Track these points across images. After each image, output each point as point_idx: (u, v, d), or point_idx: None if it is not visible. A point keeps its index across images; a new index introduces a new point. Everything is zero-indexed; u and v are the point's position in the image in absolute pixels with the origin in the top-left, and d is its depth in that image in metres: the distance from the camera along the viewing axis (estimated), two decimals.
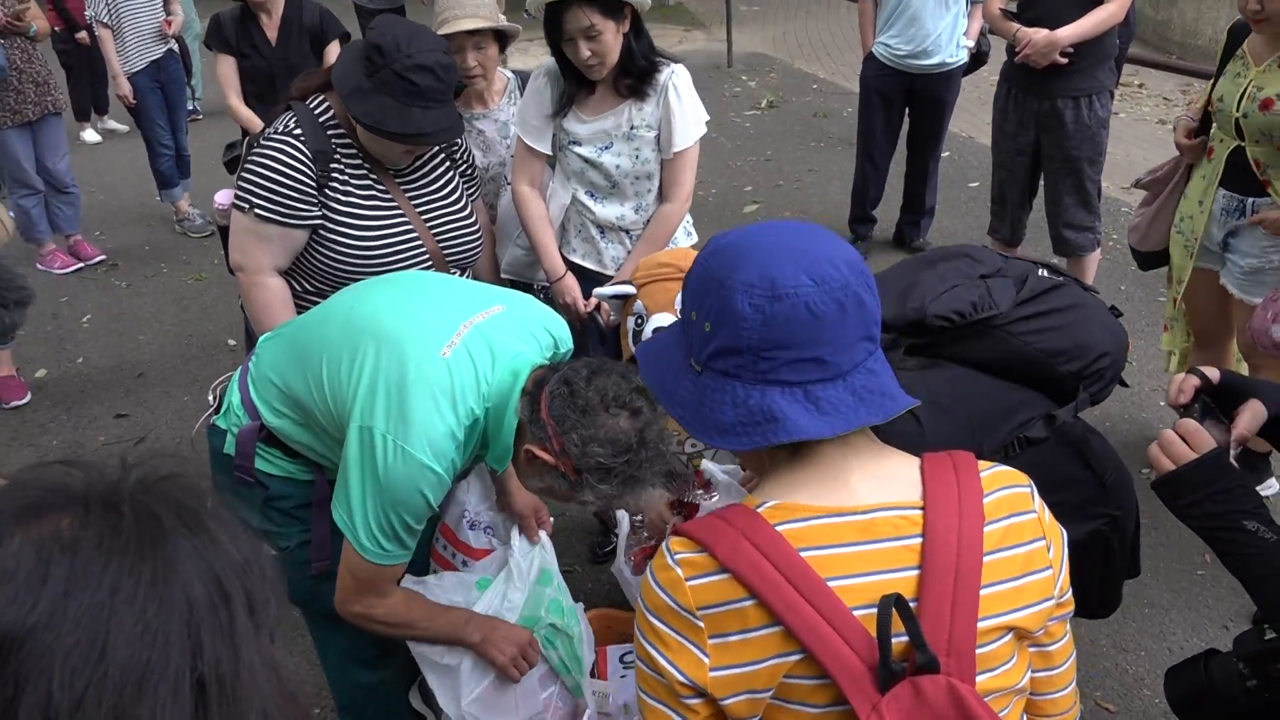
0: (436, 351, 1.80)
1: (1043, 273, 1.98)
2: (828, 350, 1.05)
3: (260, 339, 2.14)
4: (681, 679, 1.06)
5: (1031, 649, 1.14)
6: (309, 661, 2.97)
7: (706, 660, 1.05)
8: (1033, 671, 1.15)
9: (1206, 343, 3.46)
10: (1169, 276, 3.48)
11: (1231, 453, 1.40)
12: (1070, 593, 1.16)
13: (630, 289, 2.59)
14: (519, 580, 2.16)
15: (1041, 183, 4.46)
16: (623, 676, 2.51)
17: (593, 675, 2.53)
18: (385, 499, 1.78)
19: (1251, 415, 1.43)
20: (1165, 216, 3.40)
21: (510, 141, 3.09)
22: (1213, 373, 1.47)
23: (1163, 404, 3.96)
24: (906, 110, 5.13)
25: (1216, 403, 1.46)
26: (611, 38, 2.63)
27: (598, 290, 2.80)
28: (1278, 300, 2.58)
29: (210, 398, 2.17)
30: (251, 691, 0.58)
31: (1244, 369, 3.43)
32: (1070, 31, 3.97)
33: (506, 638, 2.06)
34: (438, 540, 2.39)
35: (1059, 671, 1.18)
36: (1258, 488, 3.40)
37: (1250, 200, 3.08)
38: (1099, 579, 1.76)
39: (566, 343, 2.05)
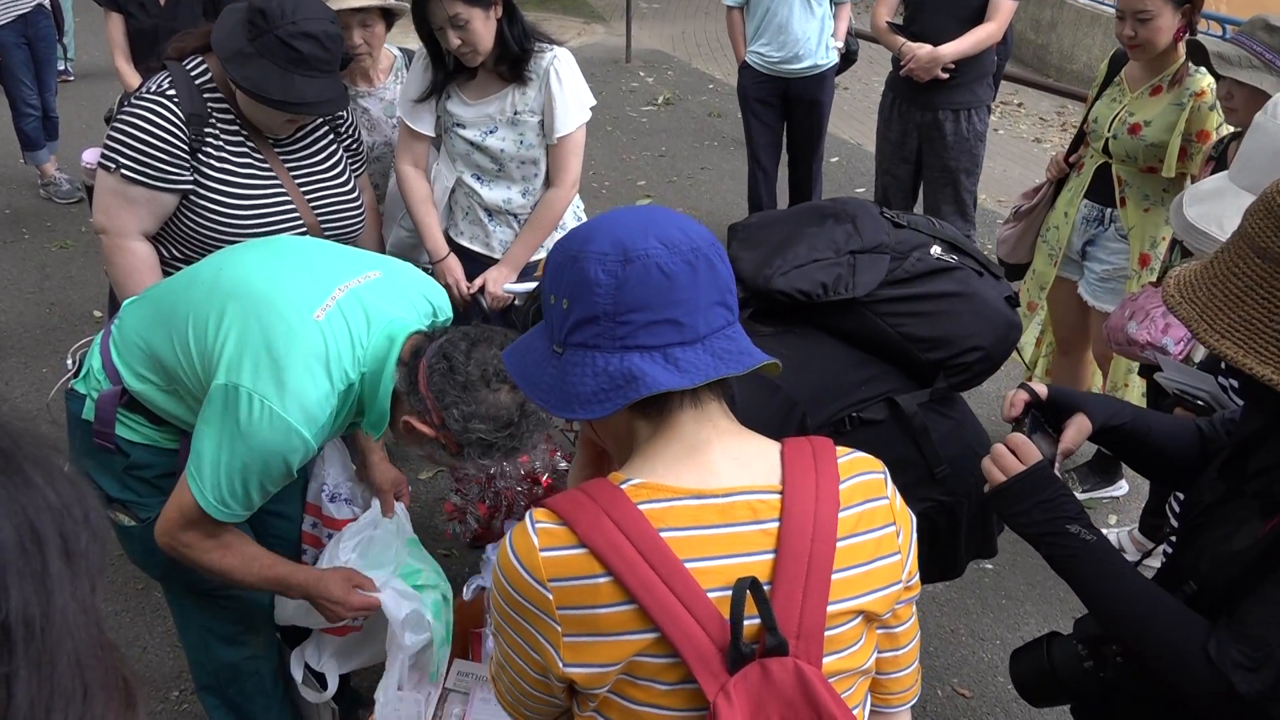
0: (309, 314, 1.76)
1: (935, 250, 1.91)
2: (682, 311, 1.07)
3: (125, 303, 2.06)
4: (539, 638, 1.08)
5: (878, 630, 1.18)
6: (170, 643, 2.88)
7: (559, 628, 1.06)
8: (879, 652, 1.19)
9: (1066, 349, 3.65)
10: (1022, 288, 3.66)
11: (1057, 465, 1.49)
12: (918, 576, 1.20)
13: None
14: (388, 536, 2.16)
15: (921, 191, 4.61)
16: None
17: (466, 657, 2.52)
18: (245, 459, 1.73)
19: (1077, 429, 1.53)
20: (1032, 232, 3.57)
21: (396, 121, 3.05)
22: (1041, 389, 1.56)
23: None
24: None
25: (1046, 417, 1.55)
26: (481, 25, 2.60)
27: (506, 285, 2.79)
28: (1136, 300, 2.73)
29: (69, 361, 2.08)
30: (63, 637, 0.55)
31: (1098, 380, 3.63)
32: (952, 49, 4.12)
33: (333, 601, 2.01)
34: (305, 519, 2.34)
35: (903, 652, 1.23)
36: (1110, 489, 3.60)
37: (1109, 210, 3.27)
38: (928, 554, 1.81)
39: (445, 311, 2.02)
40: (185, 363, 1.83)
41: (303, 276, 1.84)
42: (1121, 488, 3.63)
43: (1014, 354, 3.83)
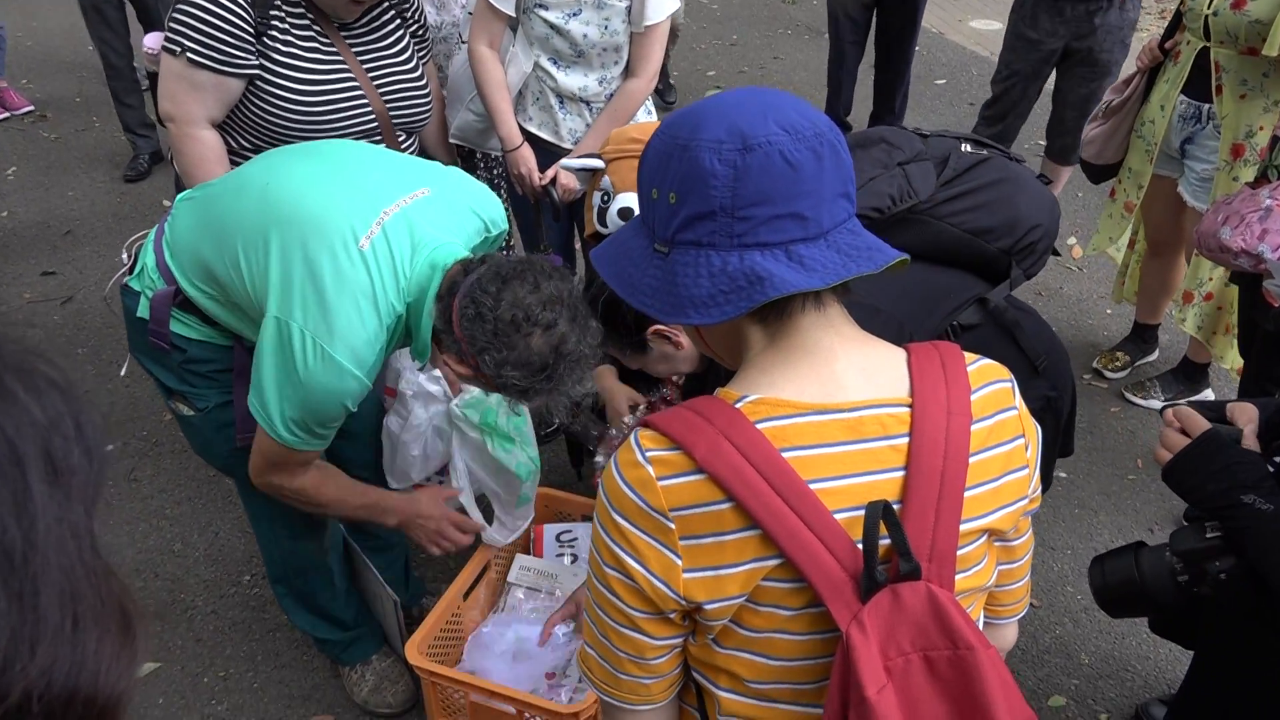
0: (355, 244, 1.72)
1: (966, 147, 1.93)
2: (807, 205, 0.97)
3: (177, 198, 2.02)
4: (654, 580, 1.00)
5: (997, 543, 1.11)
6: (241, 528, 2.94)
7: (680, 562, 1.00)
8: (997, 565, 1.13)
9: (1157, 251, 3.47)
10: (1111, 190, 3.46)
11: (1250, 436, 1.42)
12: (1040, 489, 1.13)
13: (598, 163, 2.49)
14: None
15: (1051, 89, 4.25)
16: (559, 555, 2.51)
17: (528, 553, 2.53)
18: (303, 399, 1.74)
19: (1240, 408, 1.47)
20: (1124, 129, 3.35)
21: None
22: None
23: (1109, 311, 3.99)
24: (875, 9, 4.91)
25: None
26: None
27: (564, 161, 2.69)
28: (1230, 203, 2.56)
29: (125, 256, 2.06)
30: (48, 566, 0.50)
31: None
32: None
33: (426, 516, 2.10)
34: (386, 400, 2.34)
35: (1018, 564, 1.17)
36: (1195, 397, 3.47)
37: (1206, 107, 3.05)
38: None
39: (499, 224, 1.97)
40: (238, 281, 1.81)
41: (350, 197, 1.79)
42: (1207, 396, 3.49)
43: (1104, 257, 3.68)
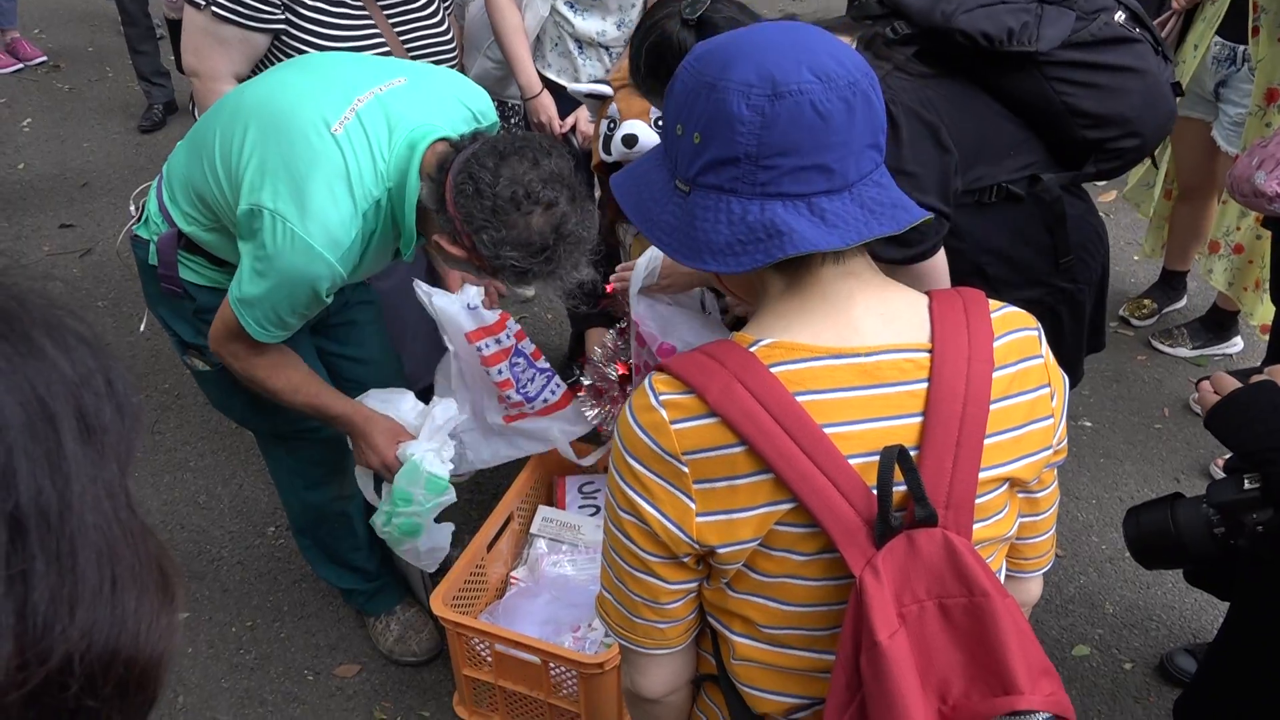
0: (327, 129, 1.67)
1: (1120, 17, 1.76)
2: (834, 156, 0.94)
3: (179, 143, 2.00)
4: (667, 524, 1.00)
5: (1020, 495, 1.10)
6: (265, 480, 2.95)
7: (693, 505, 0.99)
8: (1020, 517, 1.12)
9: (1188, 196, 3.40)
10: None
11: None
12: (1065, 441, 1.11)
13: (608, 90, 2.45)
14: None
15: None
16: (581, 507, 2.51)
17: (550, 504, 2.53)
18: (273, 283, 1.69)
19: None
20: None
21: None
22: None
23: (1136, 258, 3.93)
24: None
25: None
26: None
27: (572, 86, 2.65)
28: (1266, 147, 2.49)
29: (132, 208, 2.05)
30: (85, 526, 0.48)
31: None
32: None
33: (371, 446, 2.00)
34: (482, 344, 2.23)
35: (1043, 517, 1.15)
36: (1224, 345, 3.42)
37: (1241, 49, 2.97)
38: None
39: (488, 116, 1.90)
40: (217, 189, 1.77)
41: (322, 89, 1.74)
42: (1236, 345, 3.43)
43: (1134, 206, 3.61)
